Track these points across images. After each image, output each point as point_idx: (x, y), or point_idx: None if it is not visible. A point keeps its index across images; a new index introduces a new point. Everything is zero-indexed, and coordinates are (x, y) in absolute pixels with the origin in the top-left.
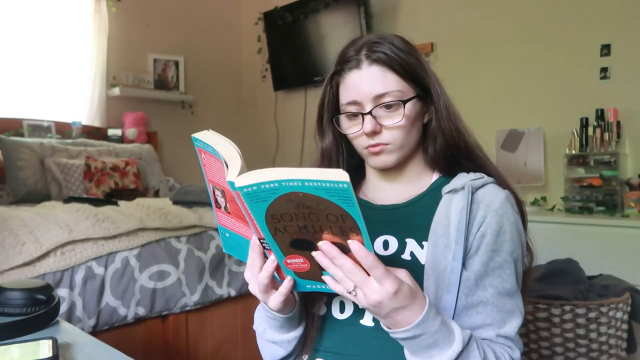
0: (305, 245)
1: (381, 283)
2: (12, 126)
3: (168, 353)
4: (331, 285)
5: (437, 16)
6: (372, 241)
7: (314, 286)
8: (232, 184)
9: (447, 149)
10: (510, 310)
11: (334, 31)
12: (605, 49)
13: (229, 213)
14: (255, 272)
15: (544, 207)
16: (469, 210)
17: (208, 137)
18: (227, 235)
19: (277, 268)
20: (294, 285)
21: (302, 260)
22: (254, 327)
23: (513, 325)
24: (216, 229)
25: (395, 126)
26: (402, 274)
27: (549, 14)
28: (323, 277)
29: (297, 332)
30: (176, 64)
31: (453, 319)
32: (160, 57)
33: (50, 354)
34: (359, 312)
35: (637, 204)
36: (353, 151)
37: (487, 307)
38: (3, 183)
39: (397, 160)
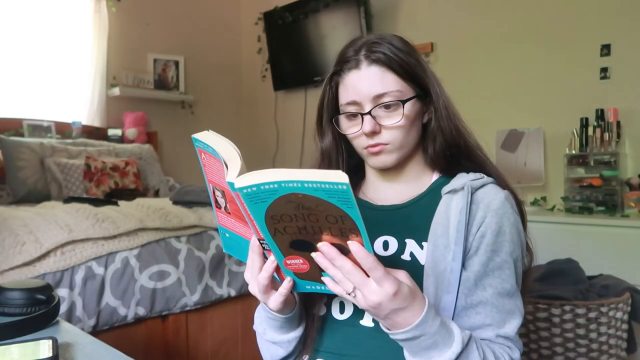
0: (304, 246)
1: (380, 284)
2: (12, 126)
3: (168, 353)
4: (330, 286)
5: (437, 16)
6: (372, 242)
7: (313, 287)
8: (231, 184)
9: (447, 148)
10: (509, 311)
11: (334, 31)
12: (605, 49)
13: (229, 213)
14: (255, 273)
15: (544, 207)
16: (468, 210)
17: (208, 138)
18: (227, 235)
19: (277, 269)
20: (294, 285)
21: (301, 261)
22: (254, 327)
23: (513, 326)
24: (216, 229)
25: (394, 126)
26: (402, 275)
27: (549, 14)
28: (322, 278)
29: (297, 333)
30: (176, 64)
31: (452, 319)
32: (160, 57)
33: (50, 354)
34: (358, 312)
35: (637, 204)
36: (353, 151)
37: (486, 308)
38: (3, 183)
39: (396, 160)
